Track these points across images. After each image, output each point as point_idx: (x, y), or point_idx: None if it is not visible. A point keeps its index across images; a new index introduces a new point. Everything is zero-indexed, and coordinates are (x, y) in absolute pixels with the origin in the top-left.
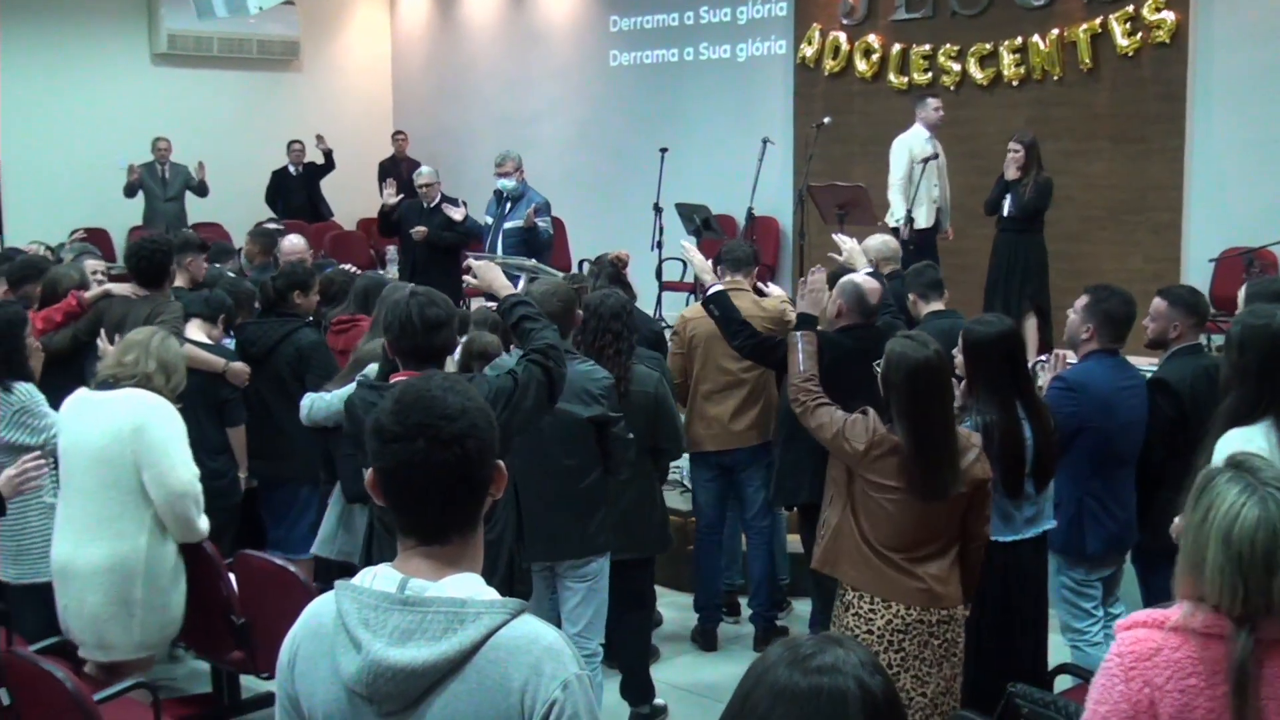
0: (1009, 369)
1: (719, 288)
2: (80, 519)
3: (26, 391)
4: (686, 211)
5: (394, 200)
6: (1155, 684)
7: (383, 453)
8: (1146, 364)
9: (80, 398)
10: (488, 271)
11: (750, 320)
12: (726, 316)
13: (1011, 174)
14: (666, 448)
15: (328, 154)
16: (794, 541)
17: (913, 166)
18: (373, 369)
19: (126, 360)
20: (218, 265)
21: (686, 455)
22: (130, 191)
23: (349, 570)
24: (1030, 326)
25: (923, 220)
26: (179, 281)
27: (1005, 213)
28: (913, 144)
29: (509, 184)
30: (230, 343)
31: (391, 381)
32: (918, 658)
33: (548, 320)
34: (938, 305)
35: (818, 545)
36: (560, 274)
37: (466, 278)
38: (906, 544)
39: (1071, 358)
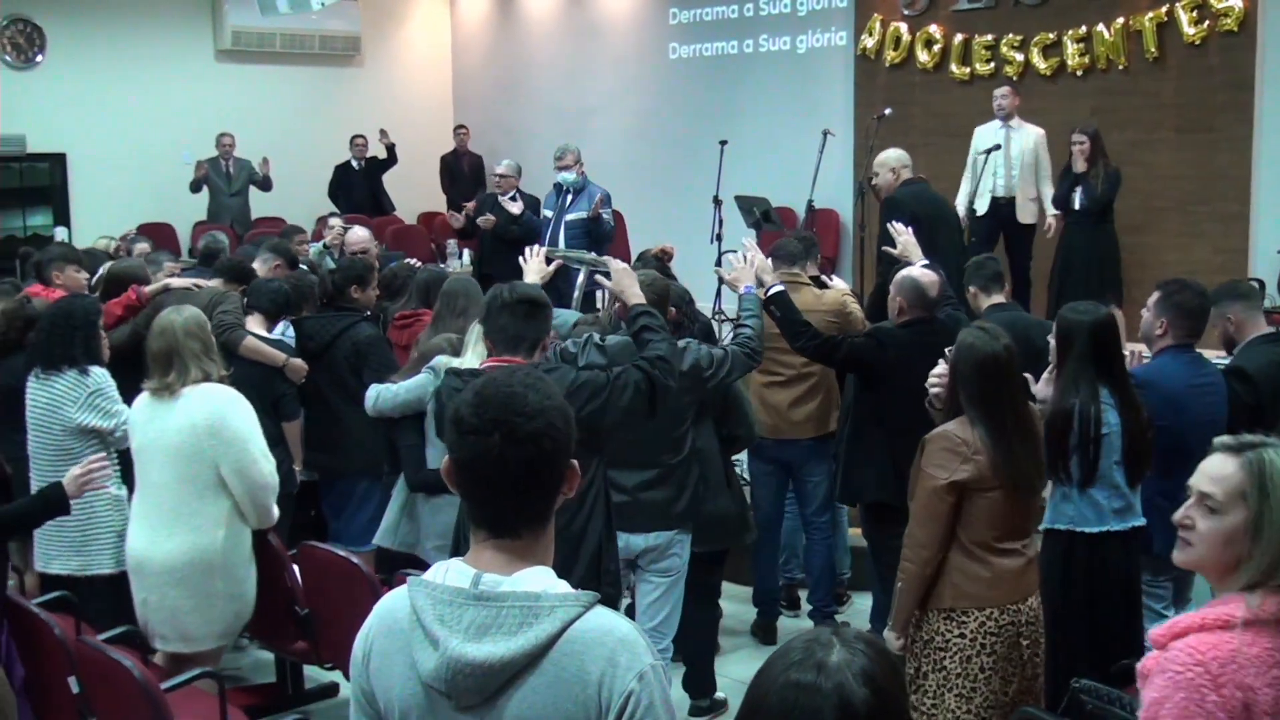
0: (1097, 357)
1: (779, 288)
2: (156, 514)
3: (102, 375)
4: (746, 204)
5: (461, 223)
6: (1246, 685)
7: (459, 444)
8: (1216, 357)
9: (150, 397)
10: (624, 277)
11: (810, 312)
12: (787, 318)
13: (1079, 166)
14: (740, 434)
15: (390, 148)
16: (855, 535)
17: (975, 157)
18: (440, 360)
19: (170, 379)
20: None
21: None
22: (196, 187)
23: (412, 561)
24: (1120, 319)
25: (982, 208)
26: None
27: (1076, 206)
28: (981, 134)
29: (569, 177)
30: (290, 335)
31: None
32: (1006, 659)
33: (668, 335)
34: (999, 298)
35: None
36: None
37: (600, 277)
38: (1006, 533)
39: (1147, 354)
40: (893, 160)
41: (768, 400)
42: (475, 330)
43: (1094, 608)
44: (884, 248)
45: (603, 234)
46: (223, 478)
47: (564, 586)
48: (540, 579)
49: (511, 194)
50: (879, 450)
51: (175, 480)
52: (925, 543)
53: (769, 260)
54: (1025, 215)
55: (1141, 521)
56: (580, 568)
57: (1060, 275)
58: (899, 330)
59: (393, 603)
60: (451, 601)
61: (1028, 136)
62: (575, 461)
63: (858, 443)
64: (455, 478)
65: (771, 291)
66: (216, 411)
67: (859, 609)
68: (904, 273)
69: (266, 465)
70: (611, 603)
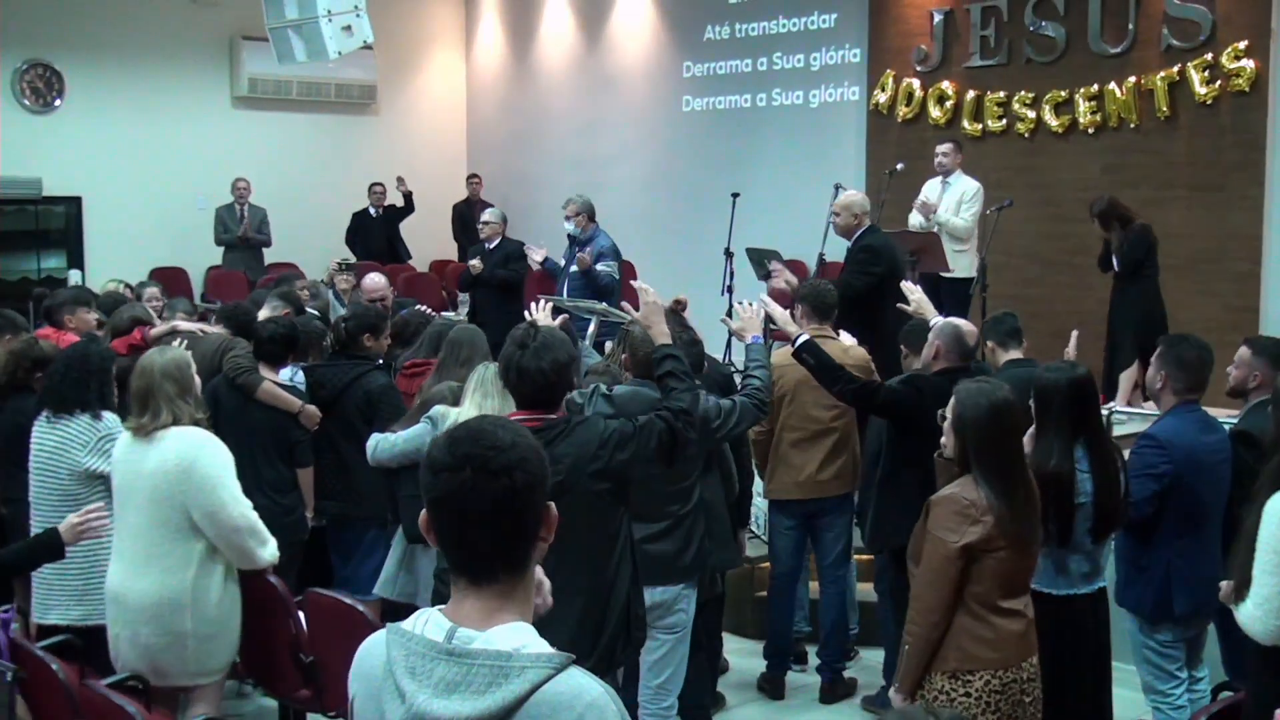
0: (1075, 417)
1: (806, 337)
2: (130, 553)
3: (114, 421)
4: (757, 256)
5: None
6: None
7: (432, 484)
8: (1225, 415)
9: (131, 437)
10: (653, 312)
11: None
12: (822, 364)
13: (1103, 234)
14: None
15: (408, 196)
16: (864, 590)
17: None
18: (438, 410)
19: (144, 420)
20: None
21: (764, 501)
22: (241, 243)
23: (413, 611)
24: (1126, 375)
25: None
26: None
27: (1115, 268)
28: (927, 188)
29: (569, 226)
30: (299, 381)
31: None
32: (1010, 717)
33: (692, 384)
34: (1016, 354)
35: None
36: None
37: (626, 305)
38: (1009, 592)
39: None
40: (858, 206)
41: (794, 462)
42: (474, 378)
43: (1060, 670)
44: (899, 304)
45: (600, 287)
46: (194, 521)
47: (540, 646)
48: (515, 636)
49: (498, 240)
50: (915, 496)
51: (148, 522)
52: (934, 606)
53: (786, 312)
54: (955, 267)
55: (1104, 583)
56: (613, 616)
57: (1110, 333)
58: (936, 378)
59: (369, 648)
60: (424, 654)
61: (956, 191)
62: (552, 504)
63: (892, 487)
64: (431, 523)
65: (800, 341)
66: (188, 455)
67: (867, 664)
68: (947, 319)
69: (236, 509)
70: (638, 647)
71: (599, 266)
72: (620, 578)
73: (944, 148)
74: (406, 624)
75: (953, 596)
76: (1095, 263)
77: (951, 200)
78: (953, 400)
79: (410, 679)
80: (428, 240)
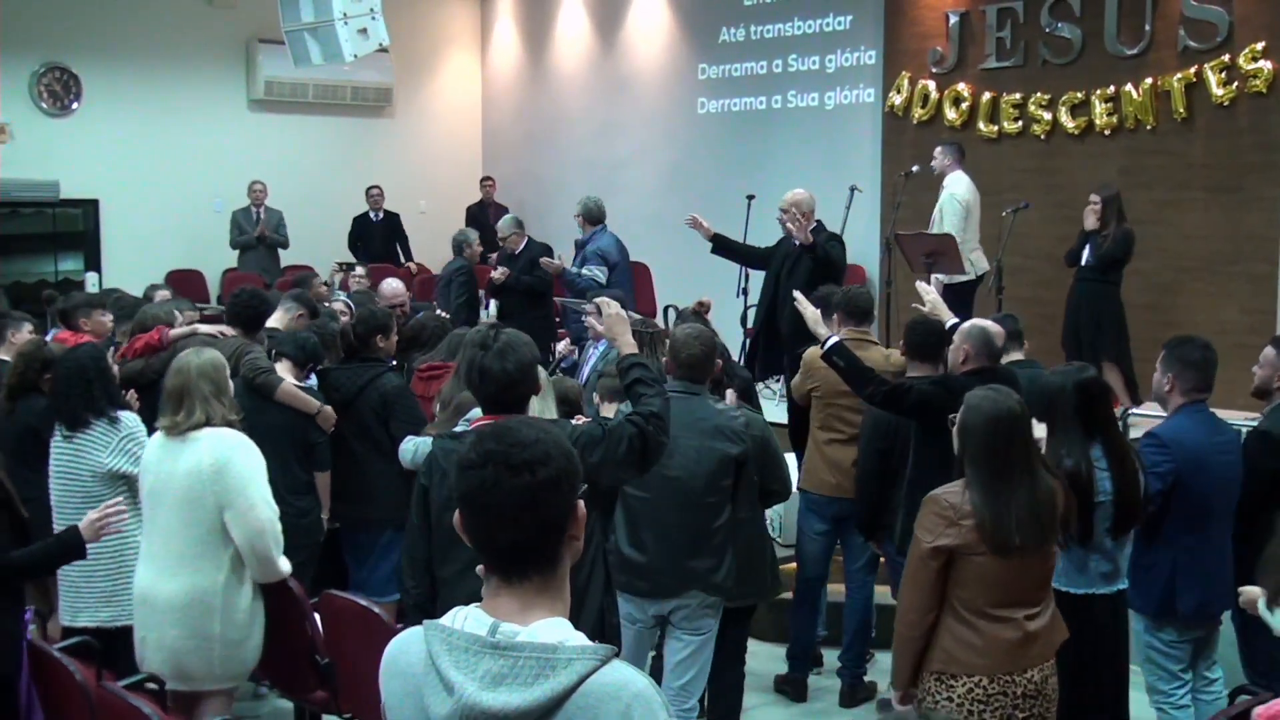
0: (1084, 417)
1: (835, 339)
2: (161, 554)
3: (133, 420)
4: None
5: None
6: None
7: (461, 480)
8: (1242, 419)
9: (164, 438)
10: (617, 324)
11: (880, 373)
12: (852, 367)
13: (1089, 224)
14: (776, 489)
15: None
16: (881, 593)
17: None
18: (477, 414)
19: (179, 419)
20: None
21: (784, 506)
22: (257, 242)
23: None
24: (1113, 379)
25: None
26: (276, 323)
27: (1083, 262)
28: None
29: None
30: (312, 383)
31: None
32: None
33: (662, 389)
34: (1017, 355)
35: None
36: (639, 317)
37: (589, 320)
38: (1003, 600)
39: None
40: (806, 204)
41: (831, 457)
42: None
43: (1080, 668)
44: (915, 305)
45: (577, 289)
46: (225, 523)
47: (581, 639)
48: (558, 630)
49: (523, 245)
50: None
51: (180, 524)
52: (913, 605)
53: (817, 312)
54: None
55: (1124, 585)
56: (586, 625)
57: (1068, 331)
58: (966, 379)
59: (403, 645)
60: (468, 649)
61: (943, 194)
62: (581, 503)
63: (920, 490)
64: (462, 522)
65: (830, 344)
66: (223, 455)
67: (883, 668)
68: (973, 322)
69: (266, 511)
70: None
71: (582, 270)
72: (593, 584)
73: (939, 149)
74: (445, 620)
75: (932, 597)
76: (1110, 265)
77: (937, 207)
78: (964, 404)
79: (456, 672)
80: (443, 243)
